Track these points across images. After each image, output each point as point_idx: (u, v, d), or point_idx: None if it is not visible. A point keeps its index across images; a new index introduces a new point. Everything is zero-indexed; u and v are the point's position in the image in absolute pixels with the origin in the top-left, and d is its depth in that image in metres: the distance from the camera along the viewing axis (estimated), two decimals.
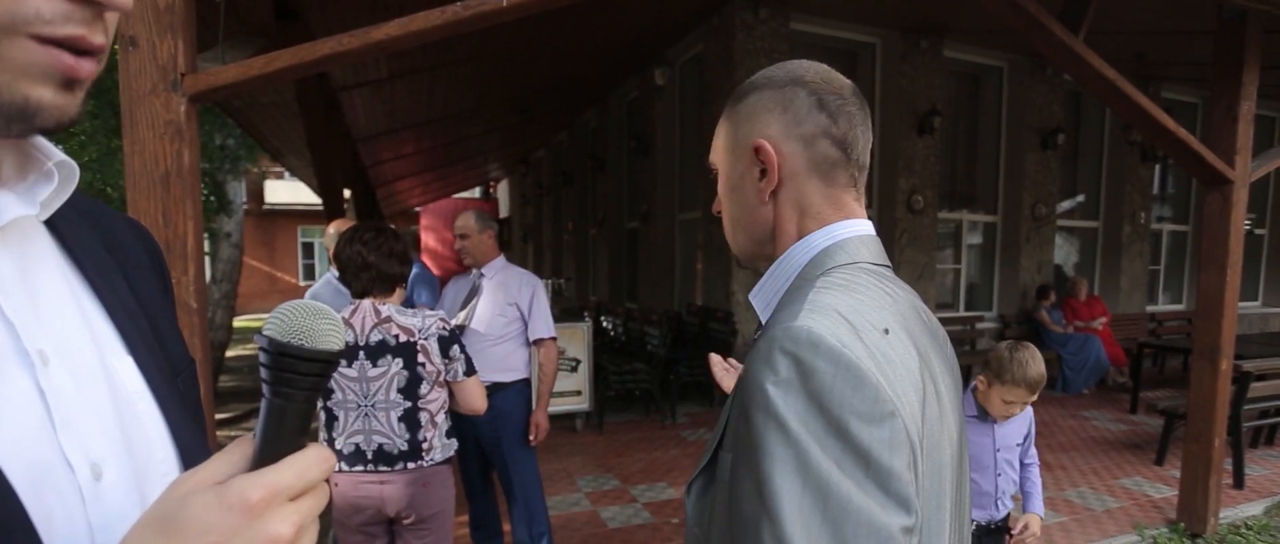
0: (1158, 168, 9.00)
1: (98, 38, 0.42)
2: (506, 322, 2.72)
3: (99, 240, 0.55)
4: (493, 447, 2.77)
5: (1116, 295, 8.54)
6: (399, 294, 2.02)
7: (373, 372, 1.89)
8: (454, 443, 2.02)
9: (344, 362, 1.89)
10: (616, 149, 9.27)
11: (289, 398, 0.43)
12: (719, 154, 0.83)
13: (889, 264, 0.77)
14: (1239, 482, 4.30)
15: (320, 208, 6.38)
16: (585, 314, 7.23)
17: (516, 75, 7.00)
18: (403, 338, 1.89)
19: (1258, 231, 9.97)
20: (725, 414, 0.70)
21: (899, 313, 0.69)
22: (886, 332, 0.64)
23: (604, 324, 7.59)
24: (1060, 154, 7.85)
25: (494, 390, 2.70)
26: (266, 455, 0.42)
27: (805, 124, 0.75)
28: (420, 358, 1.90)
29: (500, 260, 2.82)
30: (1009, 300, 7.89)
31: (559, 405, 5.33)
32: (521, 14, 2.18)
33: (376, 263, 1.93)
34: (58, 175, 0.47)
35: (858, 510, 0.55)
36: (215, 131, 7.44)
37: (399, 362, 1.89)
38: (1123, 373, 7.20)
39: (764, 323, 0.78)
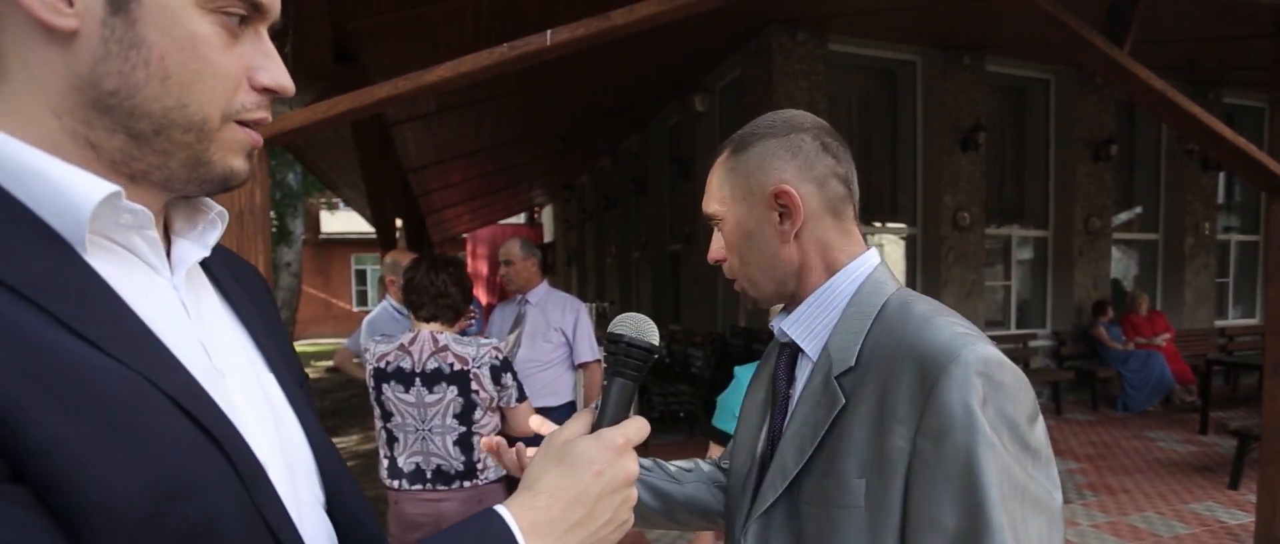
0: (1222, 176, 8.62)
1: (269, 115, 0.56)
2: (552, 347, 2.80)
3: (232, 275, 0.66)
4: None
5: (1181, 310, 8.17)
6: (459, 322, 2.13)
7: (429, 398, 1.98)
8: None
9: (402, 387, 1.99)
10: (658, 173, 9.37)
11: (630, 378, 0.67)
12: (724, 204, 0.85)
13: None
14: None
15: (372, 236, 6.65)
16: None
17: (560, 105, 7.19)
18: (457, 366, 1.98)
19: (1246, 239, 9.33)
20: (809, 446, 0.76)
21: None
22: None
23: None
24: (1113, 165, 7.62)
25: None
26: (614, 417, 0.64)
27: (816, 167, 0.81)
28: (473, 385, 1.98)
29: (544, 286, 2.92)
30: (1063, 317, 7.64)
31: None
32: (565, 51, 2.29)
33: (453, 293, 2.03)
34: (220, 222, 0.59)
35: (1044, 500, 0.67)
36: (281, 169, 7.83)
37: (454, 389, 1.97)
38: (1190, 391, 6.87)
39: (811, 351, 0.82)
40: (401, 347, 2.02)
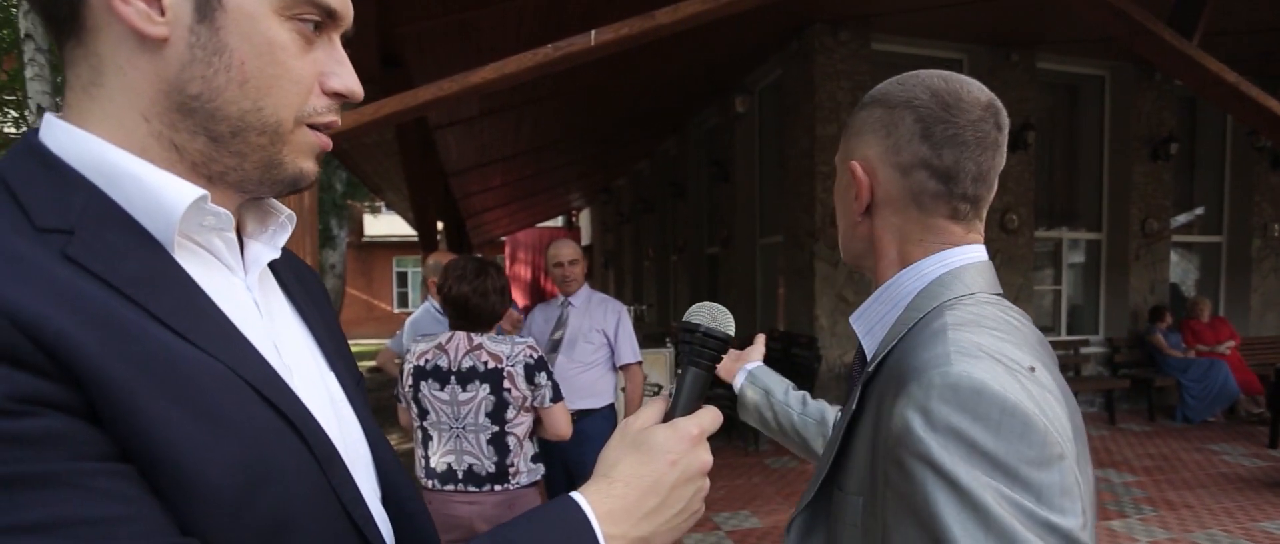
0: None
1: (339, 120, 0.57)
2: (594, 348, 2.79)
3: (296, 277, 0.68)
4: (578, 470, 2.83)
5: (1246, 316, 7.78)
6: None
7: (463, 396, 1.98)
8: (540, 468, 2.09)
9: (438, 385, 2.01)
10: (696, 176, 9.32)
11: (705, 368, 0.68)
12: (838, 156, 0.82)
13: (1002, 292, 0.75)
14: None
15: (414, 239, 6.78)
16: (667, 340, 7.26)
17: (599, 108, 7.21)
18: (491, 364, 1.98)
19: None
20: (833, 449, 0.71)
21: (1030, 345, 0.67)
22: (1032, 369, 0.62)
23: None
24: (1173, 165, 7.30)
25: (581, 416, 2.77)
26: (687, 407, 0.65)
27: (903, 152, 0.72)
28: (506, 384, 1.98)
29: (585, 289, 2.91)
30: (1117, 323, 7.34)
31: None
32: (608, 52, 2.28)
33: (493, 304, 2.04)
34: (289, 225, 0.61)
35: None
36: (329, 173, 8.03)
37: (486, 387, 1.98)
38: (1258, 403, 6.53)
39: (868, 351, 0.77)
40: (439, 345, 2.03)
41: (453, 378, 2.00)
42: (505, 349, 2.00)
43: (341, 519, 0.52)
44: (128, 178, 0.48)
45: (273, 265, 0.63)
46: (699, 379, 0.67)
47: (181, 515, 0.42)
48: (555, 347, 2.83)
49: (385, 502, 0.63)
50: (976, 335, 0.62)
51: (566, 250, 2.87)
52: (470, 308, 2.03)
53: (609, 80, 6.06)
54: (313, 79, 0.53)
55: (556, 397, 2.06)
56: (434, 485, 2.03)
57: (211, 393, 0.45)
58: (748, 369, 1.22)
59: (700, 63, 6.42)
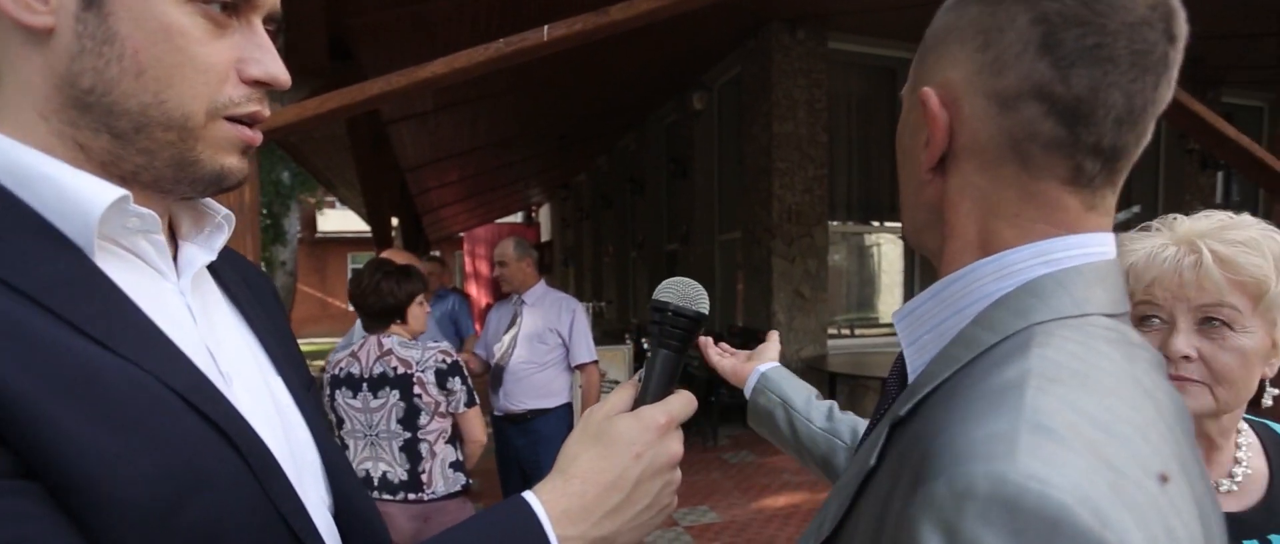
0: (1220, 176, 8.61)
1: (265, 110, 0.52)
2: (548, 348, 2.76)
3: (242, 279, 0.65)
4: (532, 470, 2.80)
5: None
6: (417, 317, 2.07)
7: (374, 403, 1.96)
8: (460, 477, 2.04)
9: (350, 393, 1.98)
10: (655, 172, 9.33)
11: (675, 349, 0.61)
12: (906, 86, 0.55)
13: (1128, 308, 0.49)
14: None
15: (369, 235, 6.60)
16: (626, 336, 7.25)
17: (556, 103, 7.15)
18: (401, 370, 1.95)
19: None
20: (840, 503, 0.48)
21: (1165, 423, 0.40)
22: (1164, 479, 0.36)
23: (644, 346, 7.60)
24: None
25: (535, 416, 2.74)
26: (657, 393, 0.59)
27: (1008, 74, 0.46)
28: (416, 389, 1.95)
29: (541, 286, 2.87)
30: None
31: None
32: (562, 47, 2.25)
33: (385, 296, 2.01)
34: (227, 226, 0.58)
35: None
36: (274, 166, 7.78)
37: (396, 393, 1.95)
38: None
39: (910, 370, 0.53)
40: (352, 353, 2.02)
41: (364, 385, 1.97)
42: (415, 354, 1.98)
43: (280, 529, 0.49)
44: (41, 180, 0.45)
45: (215, 268, 0.60)
46: (669, 362, 0.61)
47: (99, 532, 0.39)
48: (510, 345, 2.79)
49: (337, 512, 0.61)
50: (1074, 403, 0.37)
51: (503, 250, 2.83)
52: (366, 306, 2.01)
53: (566, 76, 6.01)
54: (226, 67, 0.49)
55: (470, 401, 2.03)
56: None
57: (132, 403, 0.42)
58: (761, 371, 1.06)
59: (658, 59, 6.42)
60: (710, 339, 1.14)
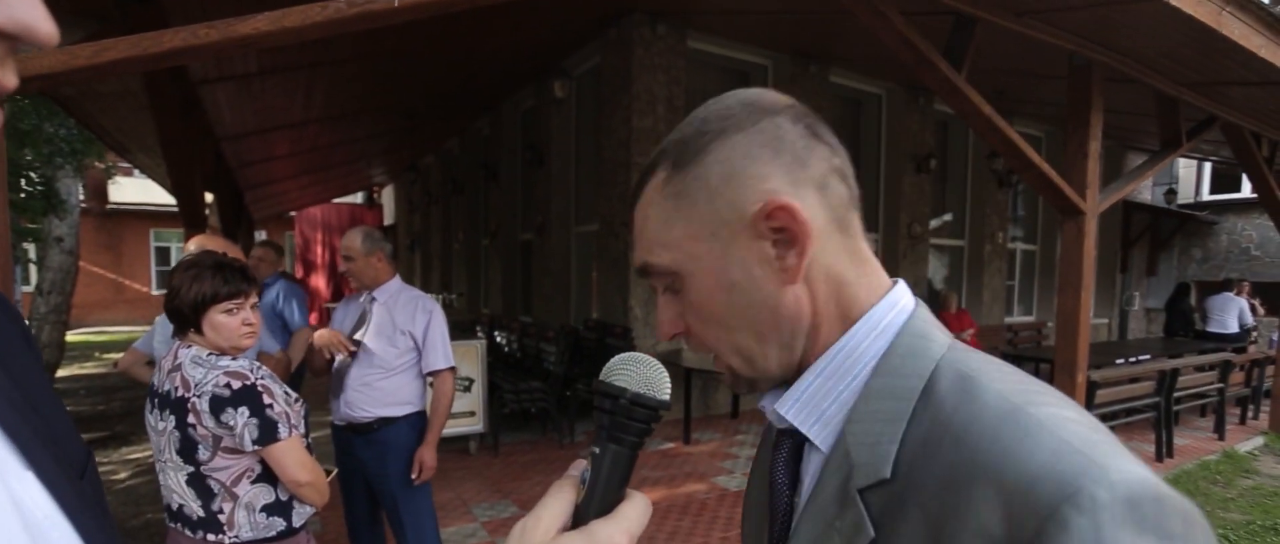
0: (1012, 193, 9.90)
1: (11, 80, 0.37)
2: (399, 352, 2.47)
3: None
4: (380, 484, 2.52)
5: (980, 308, 9.29)
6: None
7: (160, 425, 1.61)
8: (278, 522, 1.68)
9: (150, 407, 1.65)
10: (511, 158, 9.02)
11: (630, 445, 0.50)
12: (680, 249, 0.56)
13: None
14: None
15: (176, 209, 5.68)
16: (478, 329, 6.92)
17: (405, 78, 6.63)
18: (180, 392, 1.58)
19: (1027, 248, 10.73)
20: None
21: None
22: None
23: (498, 340, 7.31)
24: (932, 178, 8.45)
25: (382, 425, 2.46)
26: (606, 501, 0.48)
27: (811, 164, 0.54)
28: (190, 418, 1.57)
29: (395, 283, 2.57)
30: None
31: (452, 427, 5.04)
32: (413, 16, 2.00)
33: (181, 298, 1.64)
34: None
35: None
36: (45, 121, 6.52)
37: (172, 419, 1.59)
38: None
39: (822, 444, 0.54)
40: (163, 361, 1.68)
41: (155, 402, 1.64)
42: (199, 374, 1.59)
43: None
44: None
45: None
46: (622, 461, 0.49)
47: None
48: (357, 347, 2.48)
49: None
50: (1056, 408, 0.44)
51: (350, 243, 2.48)
52: (169, 311, 1.67)
53: (417, 50, 5.57)
54: None
55: (269, 436, 1.59)
56: (166, 520, 1.67)
57: None
58: None
59: (518, 42, 6.15)
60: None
